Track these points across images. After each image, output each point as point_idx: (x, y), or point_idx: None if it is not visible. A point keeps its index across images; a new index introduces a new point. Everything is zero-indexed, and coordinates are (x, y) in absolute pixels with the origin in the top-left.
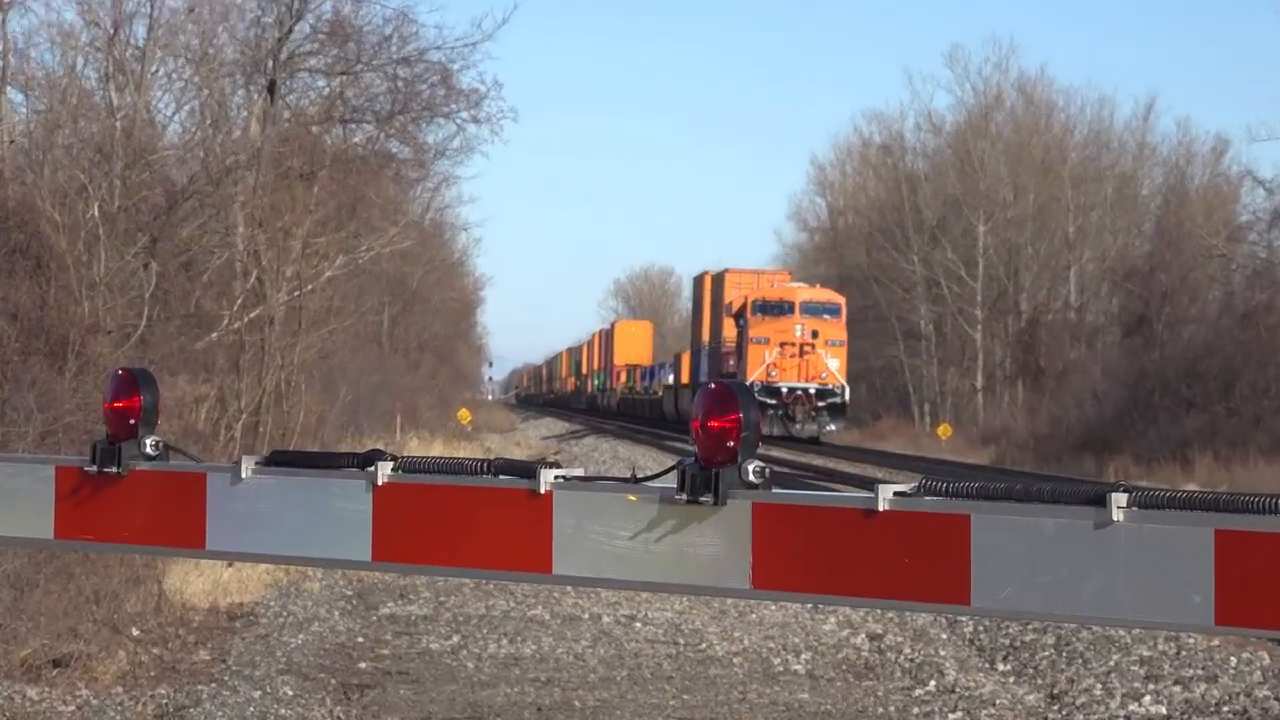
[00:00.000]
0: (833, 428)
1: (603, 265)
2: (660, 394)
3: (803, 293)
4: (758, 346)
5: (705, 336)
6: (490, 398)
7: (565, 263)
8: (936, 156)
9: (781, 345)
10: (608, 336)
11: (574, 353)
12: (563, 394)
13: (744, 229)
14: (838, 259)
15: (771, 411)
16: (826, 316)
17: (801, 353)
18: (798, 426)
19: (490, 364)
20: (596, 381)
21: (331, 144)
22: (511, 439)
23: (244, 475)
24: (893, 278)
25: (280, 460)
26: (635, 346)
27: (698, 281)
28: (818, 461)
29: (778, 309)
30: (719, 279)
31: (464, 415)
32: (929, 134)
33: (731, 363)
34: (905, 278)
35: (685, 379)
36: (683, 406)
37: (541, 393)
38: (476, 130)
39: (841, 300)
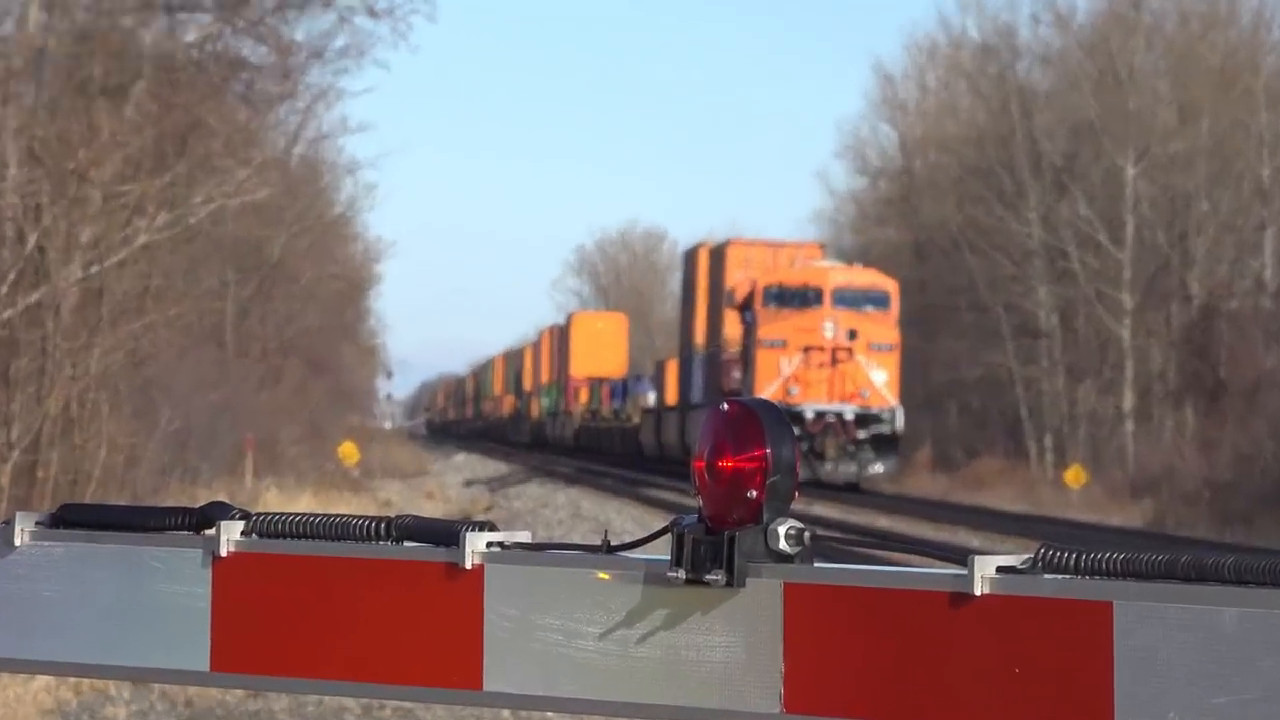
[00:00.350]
0: (879, 469)
1: (560, 227)
2: (637, 420)
3: (836, 274)
4: (771, 352)
5: (699, 337)
6: (389, 425)
7: (504, 224)
8: (1063, 63)
9: (805, 350)
10: (562, 336)
11: (513, 360)
12: (496, 420)
13: (771, 180)
14: (911, 216)
15: None
16: (870, 308)
17: (834, 361)
18: (829, 466)
19: (390, 375)
20: (546, 402)
21: (151, 44)
22: (420, 487)
23: (16, 542)
24: (997, 244)
25: (72, 519)
26: (602, 350)
27: (689, 258)
28: (880, 522)
29: (800, 298)
30: (718, 255)
31: (348, 452)
32: (1052, 29)
33: (735, 375)
34: (1016, 244)
35: (671, 398)
36: (667, 438)
37: (466, 418)
38: (371, 26)
39: (891, 285)
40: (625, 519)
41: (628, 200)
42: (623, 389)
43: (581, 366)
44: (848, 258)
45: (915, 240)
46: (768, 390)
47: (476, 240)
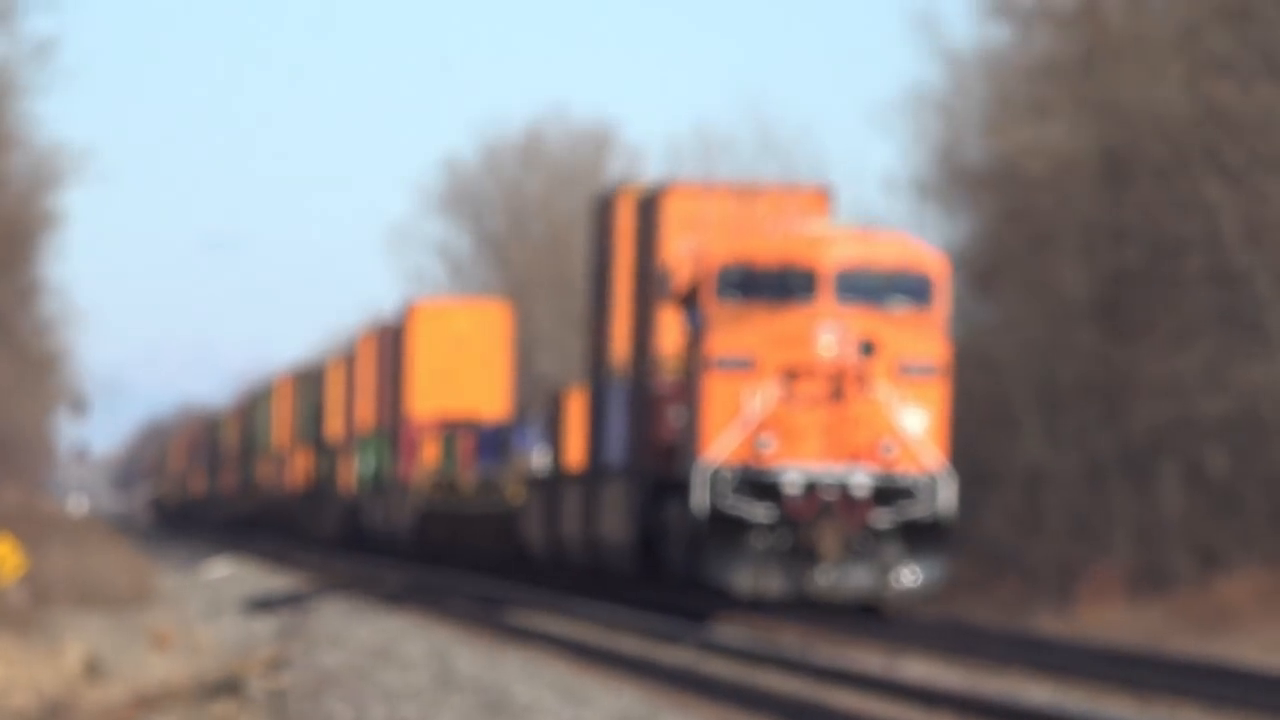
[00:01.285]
0: (913, 579)
1: (412, 131)
2: (521, 496)
3: (842, 245)
4: (728, 377)
5: (618, 351)
6: (82, 505)
7: (305, 127)
8: None
9: (787, 375)
10: (393, 345)
11: (309, 386)
12: (278, 497)
13: (822, 38)
14: (1096, 99)
15: (760, 539)
16: (899, 303)
17: (836, 394)
18: (825, 575)
19: (82, 410)
20: (364, 464)
21: None
22: (143, 626)
23: None
24: (1267, 156)
25: None
26: (465, 370)
27: (602, 214)
28: (1034, 692)
29: (780, 285)
30: (649, 208)
31: (2, 560)
32: None
33: (672, 418)
34: None
35: (575, 457)
36: (567, 528)
37: (224, 493)
38: None
39: (936, 263)
40: (543, 691)
41: (545, 82)
42: (495, 441)
43: (427, 399)
44: (954, 178)
45: (1104, 147)
46: (723, 444)
47: (253, 160)
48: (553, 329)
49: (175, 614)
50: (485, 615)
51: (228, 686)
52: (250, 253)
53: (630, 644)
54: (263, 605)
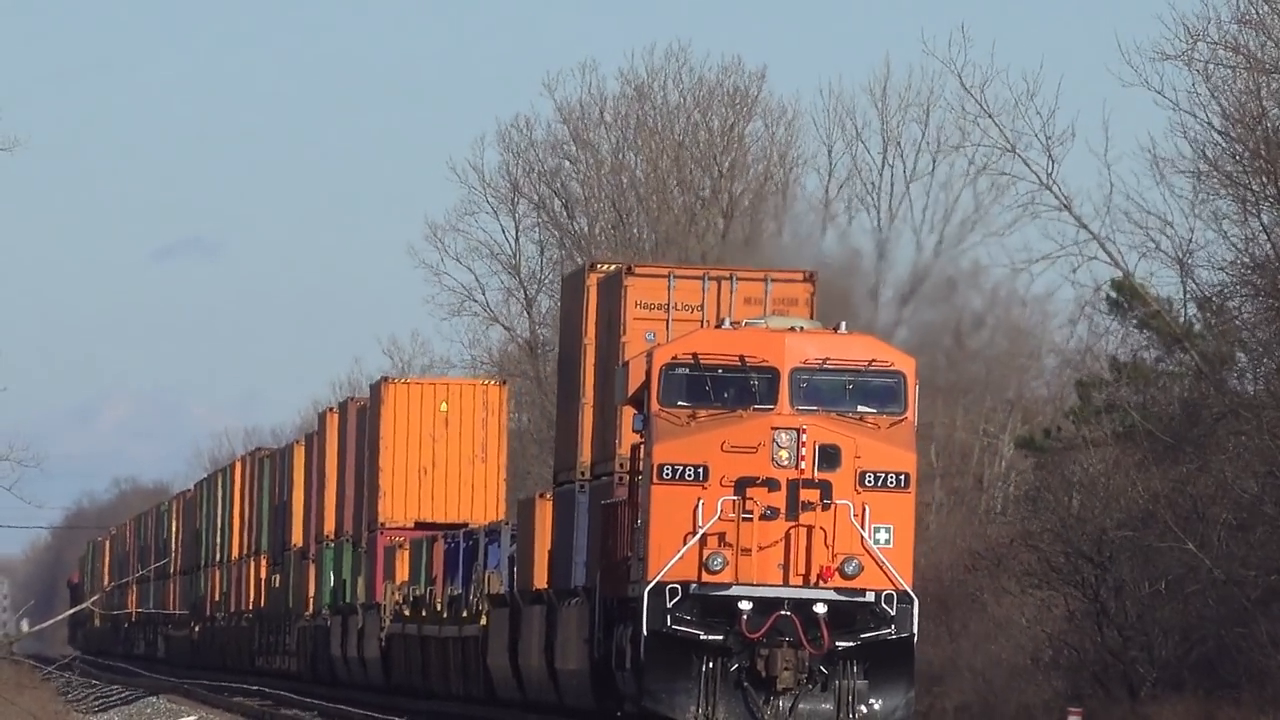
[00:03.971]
0: (876, 705)
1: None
2: (483, 620)
3: (801, 342)
4: (674, 490)
5: (585, 450)
6: None
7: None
8: None
9: (739, 488)
10: (366, 426)
11: (273, 471)
12: (230, 624)
13: None
14: None
15: (711, 663)
16: (863, 409)
17: (794, 507)
18: (780, 703)
19: None
20: (330, 580)
21: None
22: None
23: None
24: None
25: None
26: (448, 462)
27: (571, 291)
28: None
29: (734, 388)
30: (610, 289)
31: None
32: None
33: (625, 530)
34: None
35: (540, 577)
36: (528, 660)
37: (164, 618)
38: None
39: (906, 364)
40: None
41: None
42: (467, 554)
43: (401, 501)
44: None
45: None
46: (668, 560)
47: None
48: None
49: None
50: None
51: None
52: (226, 265)
53: None
54: None
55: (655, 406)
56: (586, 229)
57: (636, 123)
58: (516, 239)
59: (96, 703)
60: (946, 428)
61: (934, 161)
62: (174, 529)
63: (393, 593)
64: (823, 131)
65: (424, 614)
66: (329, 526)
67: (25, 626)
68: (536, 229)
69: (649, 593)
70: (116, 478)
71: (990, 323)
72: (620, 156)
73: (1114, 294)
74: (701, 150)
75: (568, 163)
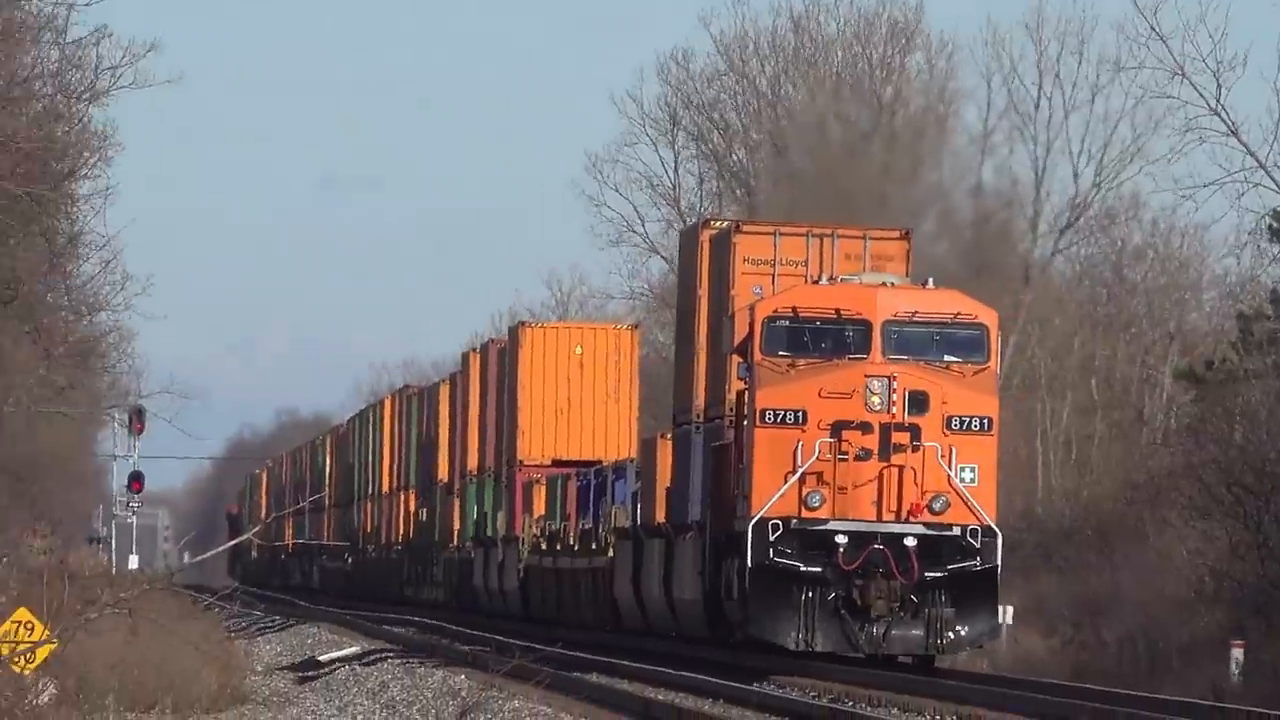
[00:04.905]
0: (963, 633)
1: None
2: (610, 552)
3: (892, 297)
4: (775, 433)
5: (699, 394)
6: (141, 563)
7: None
8: None
9: (835, 431)
10: (505, 367)
11: (418, 409)
12: (377, 555)
13: None
14: None
15: (810, 593)
16: (950, 359)
17: (886, 449)
18: (876, 630)
19: (138, 422)
20: (472, 514)
21: None
22: None
23: None
24: None
25: None
26: (582, 402)
27: (687, 245)
28: None
29: (830, 338)
30: (721, 245)
31: (17, 640)
32: None
33: (731, 470)
34: None
35: (659, 509)
36: (648, 589)
37: (319, 545)
38: None
39: (989, 317)
40: None
41: None
42: (597, 491)
43: (539, 440)
44: None
45: None
46: (770, 498)
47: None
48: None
49: None
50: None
51: None
52: (386, 199)
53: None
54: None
55: (758, 356)
56: (745, 161)
57: (794, 54)
58: (676, 170)
59: (256, 631)
60: (1107, 360)
61: (1093, 92)
62: (328, 463)
63: (530, 526)
64: (980, 64)
65: (558, 547)
66: (472, 462)
67: (186, 558)
68: (695, 161)
69: (752, 528)
70: (277, 409)
71: (1150, 255)
72: (778, 89)
73: (1277, 224)
74: (860, 82)
75: (725, 95)
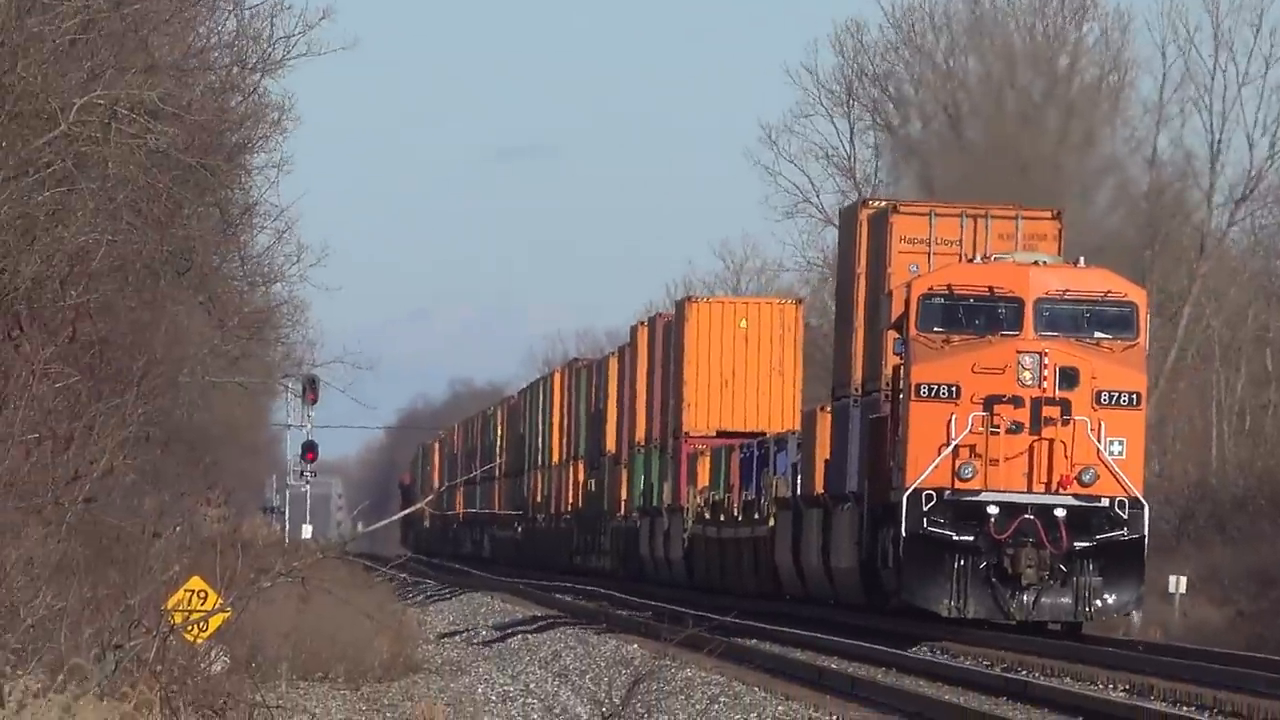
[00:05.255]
0: (1110, 601)
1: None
2: (771, 522)
3: (1044, 275)
4: (930, 406)
5: (857, 370)
6: (314, 533)
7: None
8: None
9: (987, 405)
10: (670, 341)
11: (586, 383)
12: (547, 525)
13: None
14: None
15: (962, 561)
16: (1099, 335)
17: (1036, 422)
18: (1026, 598)
19: (312, 392)
20: (639, 484)
21: None
22: (388, 706)
23: None
24: None
25: None
26: (746, 376)
27: (847, 224)
28: None
29: (983, 315)
30: (879, 224)
31: (190, 609)
32: None
33: (887, 442)
34: None
35: (818, 480)
36: (807, 558)
37: (489, 515)
38: None
39: (1138, 295)
40: None
41: None
42: (759, 462)
43: (704, 411)
44: None
45: None
46: (924, 469)
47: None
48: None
49: (449, 692)
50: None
51: None
52: (565, 167)
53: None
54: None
55: (913, 332)
56: (920, 132)
57: (969, 25)
58: (851, 141)
59: (428, 600)
60: None
61: (1267, 63)
62: (499, 433)
63: (695, 497)
64: (1156, 35)
65: (721, 517)
66: (640, 434)
67: (359, 527)
68: (870, 132)
69: (907, 498)
70: (451, 379)
71: None
72: (951, 60)
73: None
74: (1035, 52)
75: (900, 66)
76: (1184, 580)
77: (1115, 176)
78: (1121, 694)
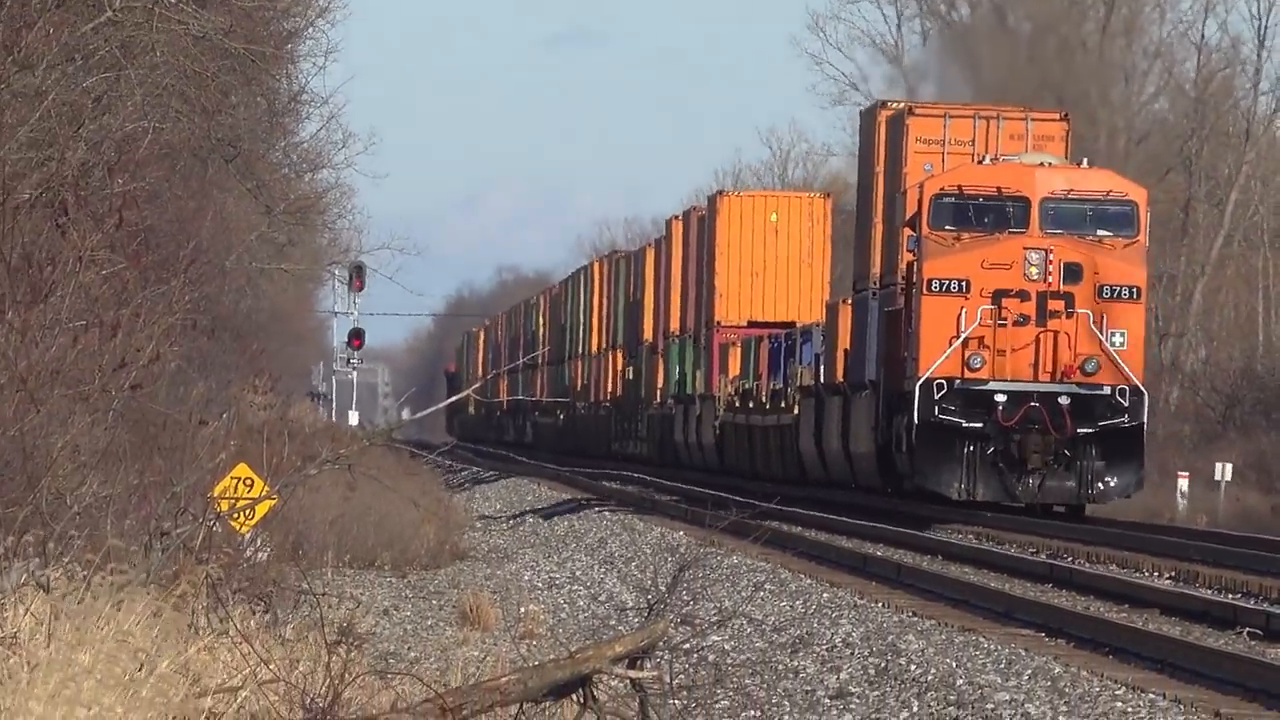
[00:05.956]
0: (1113, 483)
1: None
2: (796, 410)
3: (1050, 176)
4: (941, 300)
5: (876, 264)
6: (362, 420)
7: None
8: None
9: (995, 299)
10: (703, 235)
11: (625, 274)
12: (589, 412)
13: None
14: None
15: (971, 447)
16: (1104, 232)
17: (1042, 315)
18: (1032, 481)
19: (359, 279)
20: (675, 372)
21: None
22: (432, 593)
23: None
24: None
25: None
26: (776, 268)
27: (867, 125)
28: None
29: (992, 214)
30: (896, 126)
31: (235, 497)
32: None
33: (902, 334)
34: None
35: (839, 369)
36: (829, 444)
37: (533, 405)
38: None
39: (1138, 194)
40: None
41: None
42: (786, 352)
43: (735, 303)
44: None
45: None
46: (935, 360)
47: None
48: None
49: (495, 579)
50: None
51: (574, 686)
52: (613, 54)
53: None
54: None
55: (925, 230)
56: (968, 16)
57: None
58: (899, 27)
59: (474, 486)
60: None
61: None
62: (541, 323)
63: (726, 385)
64: None
65: (750, 405)
66: (674, 324)
67: (406, 414)
68: (918, 19)
69: (919, 387)
70: (499, 266)
71: None
72: None
73: None
74: None
75: None
76: (1229, 468)
77: (1161, 61)
78: (1167, 581)
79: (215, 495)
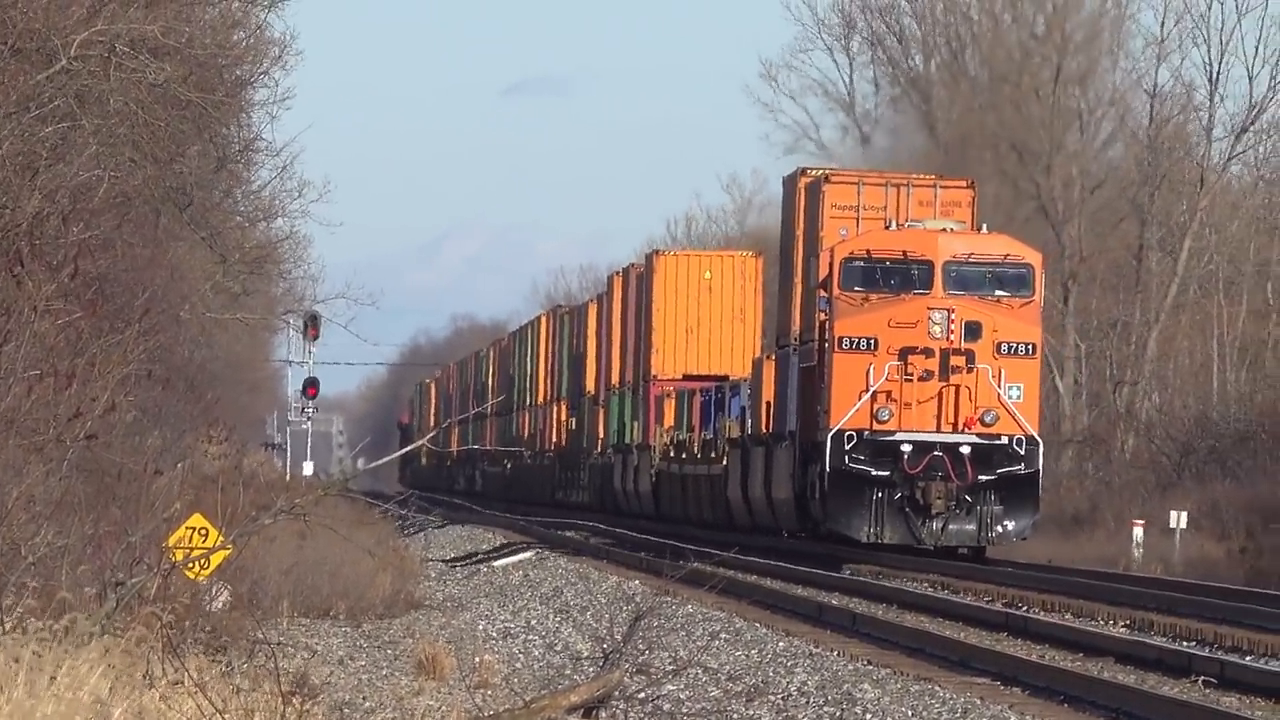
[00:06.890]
0: (1009, 527)
1: None
2: (725, 460)
3: (951, 241)
4: (851, 357)
5: (795, 322)
6: (315, 470)
7: None
8: None
9: (902, 355)
10: (640, 290)
11: (569, 327)
12: (534, 461)
13: None
14: None
15: (880, 493)
16: (1000, 294)
17: (945, 371)
18: (935, 525)
19: (313, 328)
20: (614, 423)
21: None
22: (387, 641)
23: None
24: None
25: None
26: (710, 324)
27: (789, 192)
28: None
29: (898, 276)
30: (814, 193)
31: (189, 545)
32: None
33: (815, 388)
34: None
35: (763, 421)
36: (753, 492)
37: (481, 450)
38: None
39: (1034, 258)
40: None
41: None
42: (716, 404)
43: (671, 357)
44: None
45: None
46: (846, 413)
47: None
48: (1003, 205)
49: (450, 628)
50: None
51: None
52: (573, 102)
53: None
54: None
55: (836, 291)
56: (921, 67)
57: None
58: (851, 77)
59: (427, 536)
60: None
61: None
62: (491, 373)
63: (661, 436)
64: None
65: (684, 455)
66: (615, 376)
67: (361, 464)
68: (870, 67)
69: (831, 438)
70: (454, 315)
71: None
72: None
73: None
74: None
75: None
76: (1184, 516)
77: (1115, 109)
78: (1122, 629)
79: (170, 545)
